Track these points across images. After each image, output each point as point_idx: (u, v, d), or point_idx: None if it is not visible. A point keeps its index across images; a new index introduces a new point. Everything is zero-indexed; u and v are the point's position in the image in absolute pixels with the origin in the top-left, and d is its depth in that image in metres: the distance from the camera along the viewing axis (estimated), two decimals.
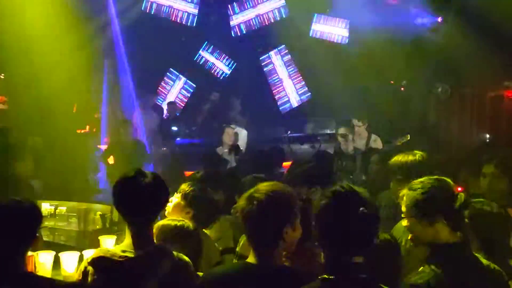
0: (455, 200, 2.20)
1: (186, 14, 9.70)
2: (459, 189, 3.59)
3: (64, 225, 4.42)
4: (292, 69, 10.04)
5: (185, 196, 3.17)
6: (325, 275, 1.87)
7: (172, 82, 10.35)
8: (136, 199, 2.30)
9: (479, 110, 9.05)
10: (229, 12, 9.85)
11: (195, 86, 10.35)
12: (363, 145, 6.50)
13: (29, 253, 2.48)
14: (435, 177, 2.31)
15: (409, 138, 6.83)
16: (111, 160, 6.78)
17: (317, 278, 1.89)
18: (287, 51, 10.03)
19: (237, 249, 2.58)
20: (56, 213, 4.46)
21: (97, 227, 4.23)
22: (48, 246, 3.53)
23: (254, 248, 2.07)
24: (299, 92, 10.04)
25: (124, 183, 2.33)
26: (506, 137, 8.23)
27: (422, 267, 2.14)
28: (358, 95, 9.06)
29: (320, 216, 1.91)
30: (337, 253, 1.87)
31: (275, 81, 10.07)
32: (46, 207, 4.47)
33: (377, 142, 6.82)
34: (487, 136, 8.30)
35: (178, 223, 2.70)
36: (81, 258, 2.97)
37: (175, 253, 2.33)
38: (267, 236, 2.04)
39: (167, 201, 2.56)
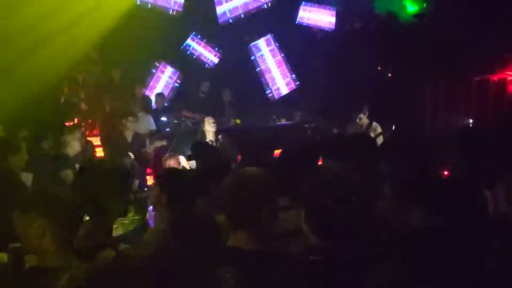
0: None
1: (173, 2, 9.64)
2: (446, 173, 3.66)
3: None
4: (280, 57, 10.04)
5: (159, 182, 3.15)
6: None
7: (159, 73, 10.33)
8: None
9: (466, 95, 9.13)
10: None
11: (183, 76, 10.33)
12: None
13: None
14: None
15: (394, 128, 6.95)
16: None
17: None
18: (274, 39, 10.01)
19: None
20: None
21: (87, 217, 4.26)
22: None
23: None
24: (287, 80, 10.05)
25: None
26: (493, 121, 8.33)
27: None
28: (347, 82, 9.13)
29: (310, 200, 1.95)
30: (323, 237, 1.92)
31: (264, 69, 10.07)
32: None
33: (377, 130, 6.90)
34: (471, 120, 8.40)
35: None
36: None
37: (123, 245, 2.38)
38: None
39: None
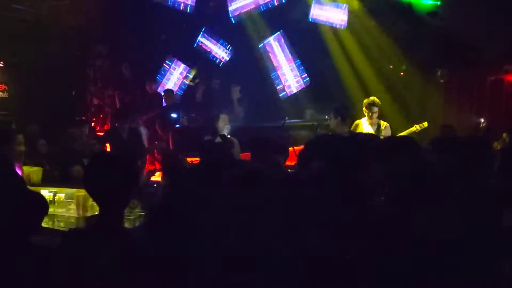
0: None
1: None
2: None
3: (63, 212, 4.49)
4: (290, 55, 9.98)
5: None
6: None
7: (171, 70, 10.33)
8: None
9: (478, 95, 9.03)
10: None
11: (194, 73, 10.32)
12: (371, 131, 6.42)
13: None
14: None
15: (427, 125, 6.76)
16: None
17: None
18: (285, 36, 9.96)
19: None
20: (55, 199, 4.52)
21: (96, 213, 4.29)
22: (48, 232, 3.59)
23: None
24: (298, 78, 9.99)
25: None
26: (505, 122, 8.22)
27: None
28: (357, 80, 9.07)
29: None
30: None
31: (274, 67, 10.02)
32: (45, 194, 4.53)
33: (386, 129, 6.75)
34: (482, 120, 8.28)
35: None
36: None
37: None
38: None
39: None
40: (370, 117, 6.54)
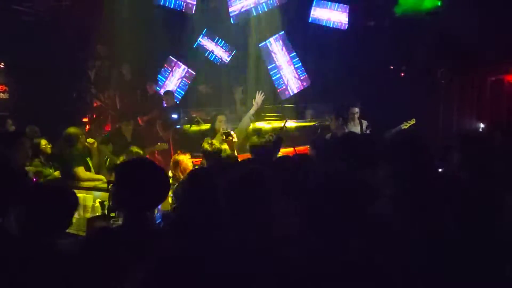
0: None
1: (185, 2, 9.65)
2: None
3: None
4: (291, 55, 9.98)
5: None
6: None
7: (171, 70, 10.33)
8: None
9: (479, 95, 9.02)
10: None
11: (195, 74, 10.32)
12: (357, 131, 6.47)
13: None
14: None
15: (414, 121, 6.90)
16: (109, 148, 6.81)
17: None
18: (286, 37, 9.96)
19: None
20: None
21: (97, 214, 4.30)
22: None
23: None
24: (298, 79, 9.99)
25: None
26: (506, 123, 8.22)
27: None
28: (358, 81, 9.06)
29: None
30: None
31: (274, 67, 10.02)
32: None
33: (368, 128, 6.80)
34: (481, 124, 8.30)
35: None
36: None
37: None
38: None
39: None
40: (353, 119, 6.72)
